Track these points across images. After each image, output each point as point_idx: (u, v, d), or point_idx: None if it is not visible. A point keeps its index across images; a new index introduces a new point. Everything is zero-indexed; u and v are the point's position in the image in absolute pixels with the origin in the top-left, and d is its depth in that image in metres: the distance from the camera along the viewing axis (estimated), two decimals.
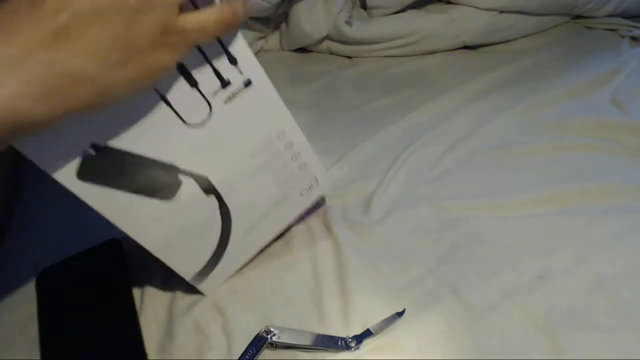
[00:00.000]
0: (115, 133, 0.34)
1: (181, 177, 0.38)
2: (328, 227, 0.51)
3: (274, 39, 0.87)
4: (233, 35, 0.36)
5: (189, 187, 0.39)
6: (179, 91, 0.35)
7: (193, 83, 0.36)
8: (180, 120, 0.36)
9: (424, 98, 0.70)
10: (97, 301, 0.47)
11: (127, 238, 0.52)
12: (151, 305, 0.47)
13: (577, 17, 0.86)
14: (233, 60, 0.37)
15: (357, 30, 0.80)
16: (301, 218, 0.51)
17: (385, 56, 0.82)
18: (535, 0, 0.79)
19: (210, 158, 0.39)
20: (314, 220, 0.52)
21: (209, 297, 0.46)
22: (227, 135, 0.39)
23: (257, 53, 0.86)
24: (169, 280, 0.48)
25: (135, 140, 0.35)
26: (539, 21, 0.83)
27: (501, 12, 0.80)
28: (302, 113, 0.55)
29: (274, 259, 0.49)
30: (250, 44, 0.79)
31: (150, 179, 0.36)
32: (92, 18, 0.27)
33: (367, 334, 0.42)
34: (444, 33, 0.80)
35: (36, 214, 0.58)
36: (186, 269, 0.43)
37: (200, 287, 0.45)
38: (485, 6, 0.79)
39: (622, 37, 0.80)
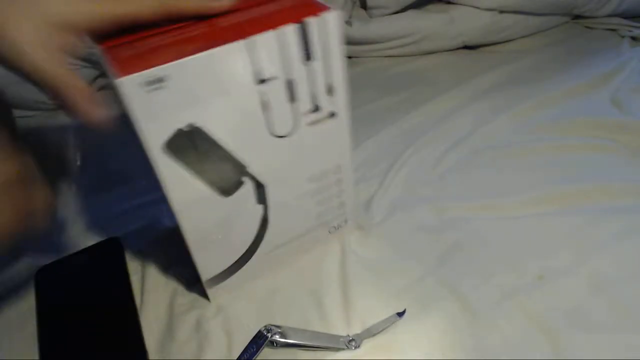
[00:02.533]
0: (210, 119, 0.35)
1: (244, 178, 0.40)
2: None
3: None
4: (339, 68, 0.38)
5: (245, 191, 0.40)
6: (278, 101, 0.37)
7: (293, 99, 0.37)
8: (267, 128, 0.38)
9: (424, 98, 0.70)
10: (96, 299, 0.47)
11: (126, 237, 0.52)
12: (151, 303, 0.47)
13: (577, 17, 0.86)
14: (330, 91, 0.39)
15: (357, 30, 0.80)
16: None
17: (385, 56, 0.82)
18: (535, 0, 0.79)
19: (275, 170, 0.41)
20: None
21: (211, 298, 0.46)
22: (297, 155, 0.41)
23: None
24: (169, 279, 0.49)
25: (222, 131, 0.36)
26: (539, 21, 0.83)
27: (501, 12, 0.80)
28: None
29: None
30: None
31: (219, 171, 0.38)
32: None
33: (367, 333, 0.42)
34: (444, 33, 0.80)
35: None
36: (207, 269, 0.44)
37: (210, 291, 0.46)
38: (485, 6, 0.79)
39: (622, 37, 0.80)
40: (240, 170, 0.39)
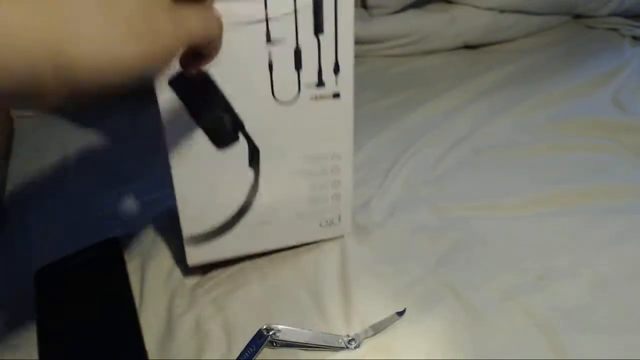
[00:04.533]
0: (217, 65, 0.35)
1: (240, 135, 0.41)
2: None
3: None
4: (348, 48, 0.40)
5: (239, 150, 0.41)
6: (283, 67, 0.38)
7: (298, 67, 0.39)
8: (270, 90, 0.39)
9: (424, 98, 0.70)
10: (96, 300, 0.47)
11: (125, 237, 0.52)
12: (151, 304, 0.47)
13: (578, 16, 0.86)
14: (337, 70, 0.40)
15: (357, 30, 0.80)
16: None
17: (386, 56, 0.82)
18: (535, 0, 0.79)
19: (272, 137, 0.41)
20: None
21: (206, 291, 0.46)
22: (297, 128, 0.42)
23: None
24: (168, 278, 0.49)
25: (226, 80, 0.37)
26: (539, 21, 0.83)
27: (502, 11, 0.80)
28: None
29: (275, 258, 0.49)
30: None
31: (218, 120, 0.39)
32: None
33: (367, 333, 0.42)
34: (445, 33, 0.80)
35: (33, 211, 0.58)
36: (191, 224, 0.44)
37: (190, 250, 0.45)
38: (485, 6, 0.79)
39: (623, 36, 0.80)
40: (237, 126, 0.40)
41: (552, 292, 0.44)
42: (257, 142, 0.41)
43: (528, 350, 0.40)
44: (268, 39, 0.37)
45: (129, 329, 0.44)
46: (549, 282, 0.44)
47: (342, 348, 0.41)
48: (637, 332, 0.40)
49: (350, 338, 0.41)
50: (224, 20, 0.32)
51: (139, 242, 0.53)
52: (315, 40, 0.38)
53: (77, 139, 0.67)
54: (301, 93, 0.40)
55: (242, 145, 0.41)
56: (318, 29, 0.38)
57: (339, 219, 0.50)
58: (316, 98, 0.41)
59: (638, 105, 0.64)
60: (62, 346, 0.43)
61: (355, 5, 0.86)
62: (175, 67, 0.34)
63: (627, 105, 0.64)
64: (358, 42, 0.80)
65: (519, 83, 0.72)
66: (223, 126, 0.39)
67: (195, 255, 0.46)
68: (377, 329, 0.42)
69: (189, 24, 0.27)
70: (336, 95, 0.41)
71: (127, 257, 0.51)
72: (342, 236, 0.51)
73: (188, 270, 0.48)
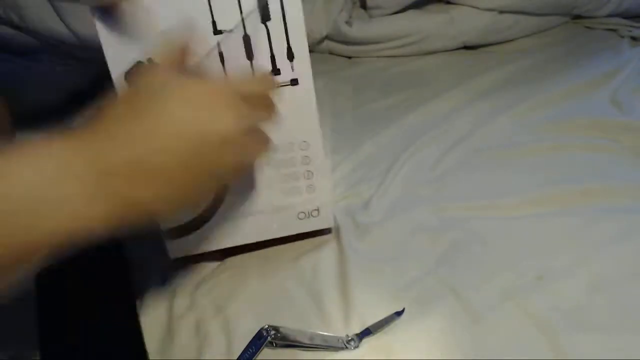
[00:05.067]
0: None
1: None
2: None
3: None
4: (299, 33, 0.40)
5: None
6: (236, 55, 0.39)
7: (250, 57, 0.39)
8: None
9: (424, 98, 0.70)
10: (97, 301, 0.47)
11: (127, 237, 0.52)
12: (151, 304, 0.47)
13: (577, 17, 0.86)
14: (291, 56, 0.40)
15: (357, 30, 0.80)
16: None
17: (385, 56, 0.82)
18: (535, 0, 0.79)
19: None
20: None
21: (206, 292, 0.46)
22: None
23: None
24: (169, 279, 0.49)
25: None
26: (539, 21, 0.83)
27: (501, 12, 0.80)
28: None
29: (275, 258, 0.49)
30: None
31: None
32: (176, 166, 0.29)
33: (366, 333, 0.42)
34: (444, 33, 0.80)
35: None
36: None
37: (170, 244, 0.46)
38: (485, 6, 0.79)
39: (622, 37, 0.80)
40: None
41: (552, 292, 0.44)
42: None
43: (527, 350, 0.40)
44: (215, 30, 0.38)
45: (129, 330, 0.44)
46: (549, 282, 0.44)
47: (341, 348, 0.41)
48: (637, 332, 0.40)
49: (349, 338, 0.41)
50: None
51: (140, 243, 0.53)
52: (263, 28, 0.39)
53: None
54: None
55: None
56: (264, 17, 0.38)
57: (318, 212, 0.49)
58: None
59: (637, 105, 0.64)
60: (62, 346, 0.43)
61: (355, 6, 0.87)
62: (131, 62, 0.37)
63: (626, 105, 0.64)
64: (358, 42, 0.81)
65: (518, 83, 0.72)
66: None
67: (177, 248, 0.46)
68: (376, 329, 0.42)
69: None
70: (294, 82, 0.41)
71: (127, 257, 0.51)
72: (328, 231, 0.50)
73: (188, 271, 0.48)
